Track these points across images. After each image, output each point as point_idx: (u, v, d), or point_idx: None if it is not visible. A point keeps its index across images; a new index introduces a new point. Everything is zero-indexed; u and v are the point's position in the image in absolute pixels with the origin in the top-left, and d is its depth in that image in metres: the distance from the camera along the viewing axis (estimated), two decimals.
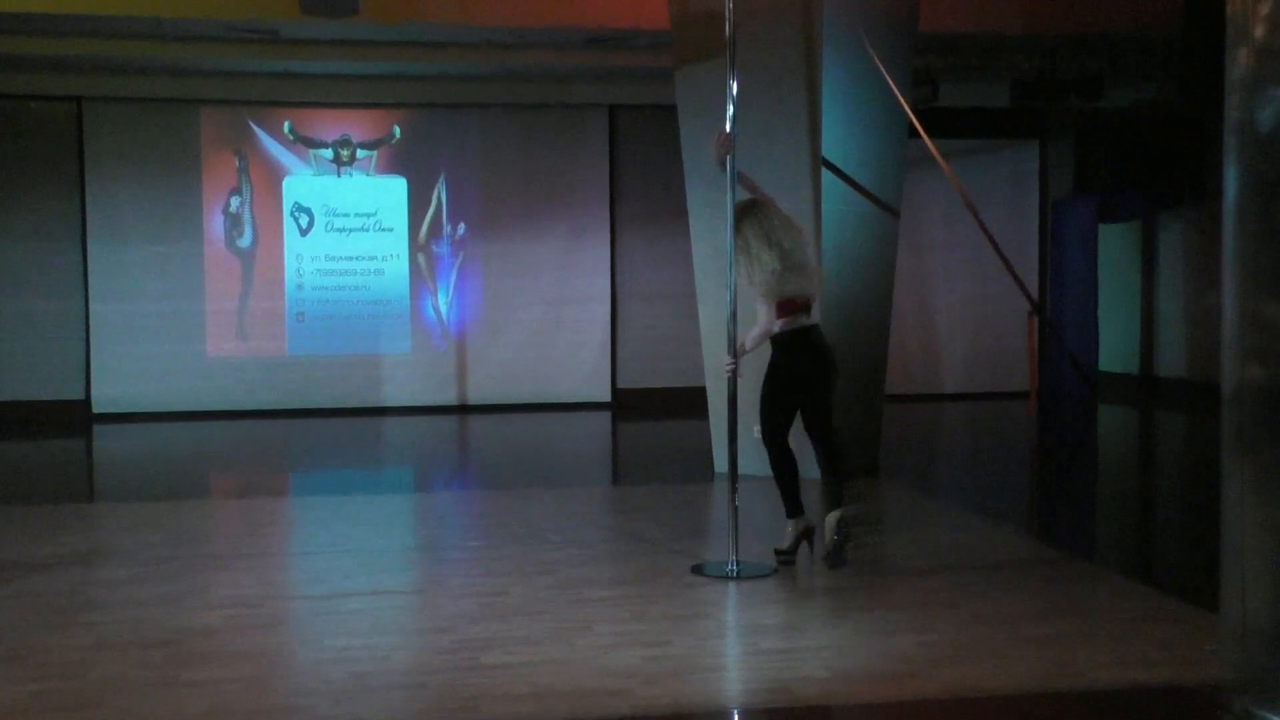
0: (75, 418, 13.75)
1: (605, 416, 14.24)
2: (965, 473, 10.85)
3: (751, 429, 8.85)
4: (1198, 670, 4.74)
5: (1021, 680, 4.69)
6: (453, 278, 14.61)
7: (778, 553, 6.50)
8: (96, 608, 5.84)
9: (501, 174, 14.63)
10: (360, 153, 14.38)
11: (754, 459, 8.56)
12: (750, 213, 6.42)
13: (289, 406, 14.11)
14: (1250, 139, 3.54)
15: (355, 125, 14.39)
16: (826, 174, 8.99)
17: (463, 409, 14.45)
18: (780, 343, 6.41)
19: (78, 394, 13.93)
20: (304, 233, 14.30)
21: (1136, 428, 13.67)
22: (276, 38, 12.04)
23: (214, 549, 7.30)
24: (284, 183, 14.28)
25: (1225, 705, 4.16)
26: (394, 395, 14.44)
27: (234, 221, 14.20)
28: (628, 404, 14.72)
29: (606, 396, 14.85)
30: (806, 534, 6.52)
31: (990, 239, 9.84)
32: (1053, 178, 15.76)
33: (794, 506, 6.51)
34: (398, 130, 14.43)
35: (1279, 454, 3.53)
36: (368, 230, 14.42)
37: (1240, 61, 3.59)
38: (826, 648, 5.13)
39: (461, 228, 14.60)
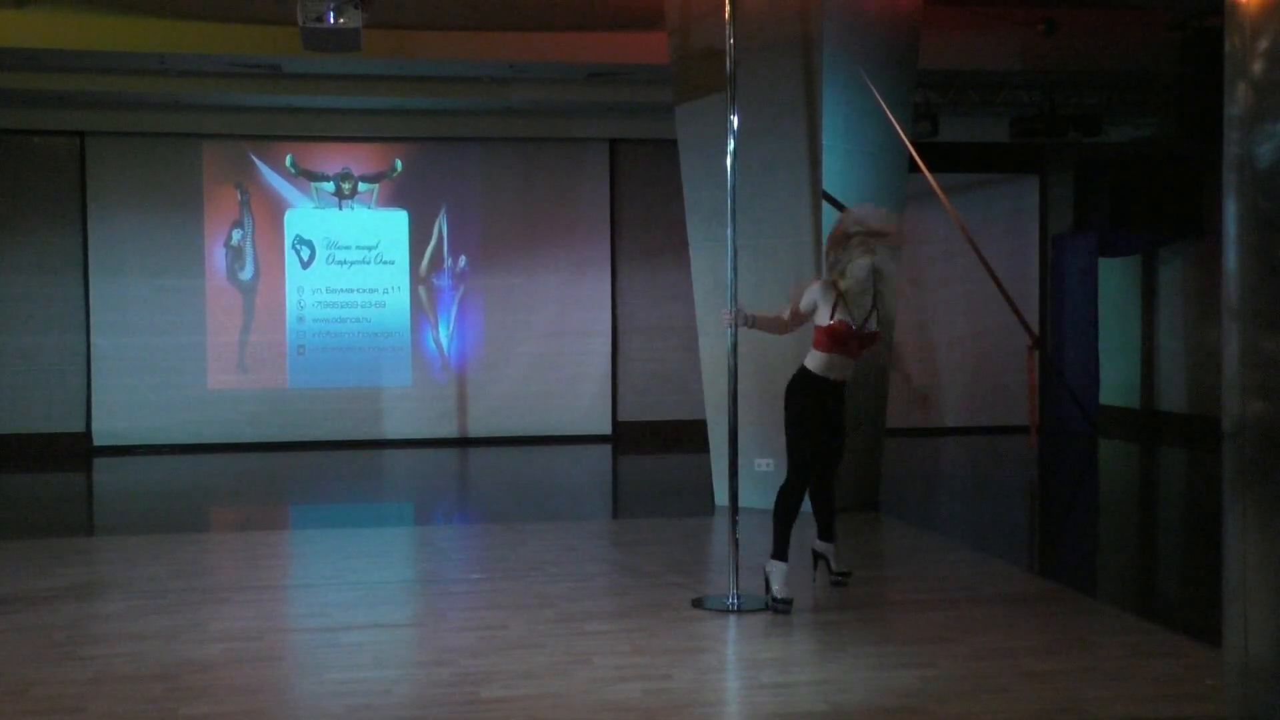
0: (76, 450, 13.73)
1: (606, 449, 14.23)
2: (966, 507, 10.83)
3: (754, 462, 8.86)
4: (1200, 705, 4.73)
5: (1023, 715, 4.68)
6: (454, 311, 14.63)
7: (779, 602, 6.29)
8: (95, 641, 5.83)
9: (502, 207, 14.66)
10: (362, 186, 14.43)
11: (755, 493, 8.56)
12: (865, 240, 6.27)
13: (290, 439, 14.09)
14: (1249, 174, 3.56)
15: (357, 159, 14.44)
16: (827, 208, 9.01)
17: (463, 442, 14.43)
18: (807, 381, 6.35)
19: (78, 427, 13.91)
20: (305, 266, 14.33)
21: (1137, 462, 13.65)
22: (279, 73, 12.10)
23: (214, 582, 7.29)
24: (285, 216, 14.31)
25: None
26: (395, 428, 14.42)
27: (235, 255, 14.23)
28: (628, 437, 14.70)
29: (607, 429, 14.83)
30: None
31: (991, 273, 9.84)
32: (1052, 212, 15.79)
33: (786, 549, 6.38)
34: (399, 164, 14.48)
35: None
36: (369, 263, 14.45)
37: (1239, 97, 3.61)
38: (827, 682, 5.11)
39: (462, 261, 14.63)
